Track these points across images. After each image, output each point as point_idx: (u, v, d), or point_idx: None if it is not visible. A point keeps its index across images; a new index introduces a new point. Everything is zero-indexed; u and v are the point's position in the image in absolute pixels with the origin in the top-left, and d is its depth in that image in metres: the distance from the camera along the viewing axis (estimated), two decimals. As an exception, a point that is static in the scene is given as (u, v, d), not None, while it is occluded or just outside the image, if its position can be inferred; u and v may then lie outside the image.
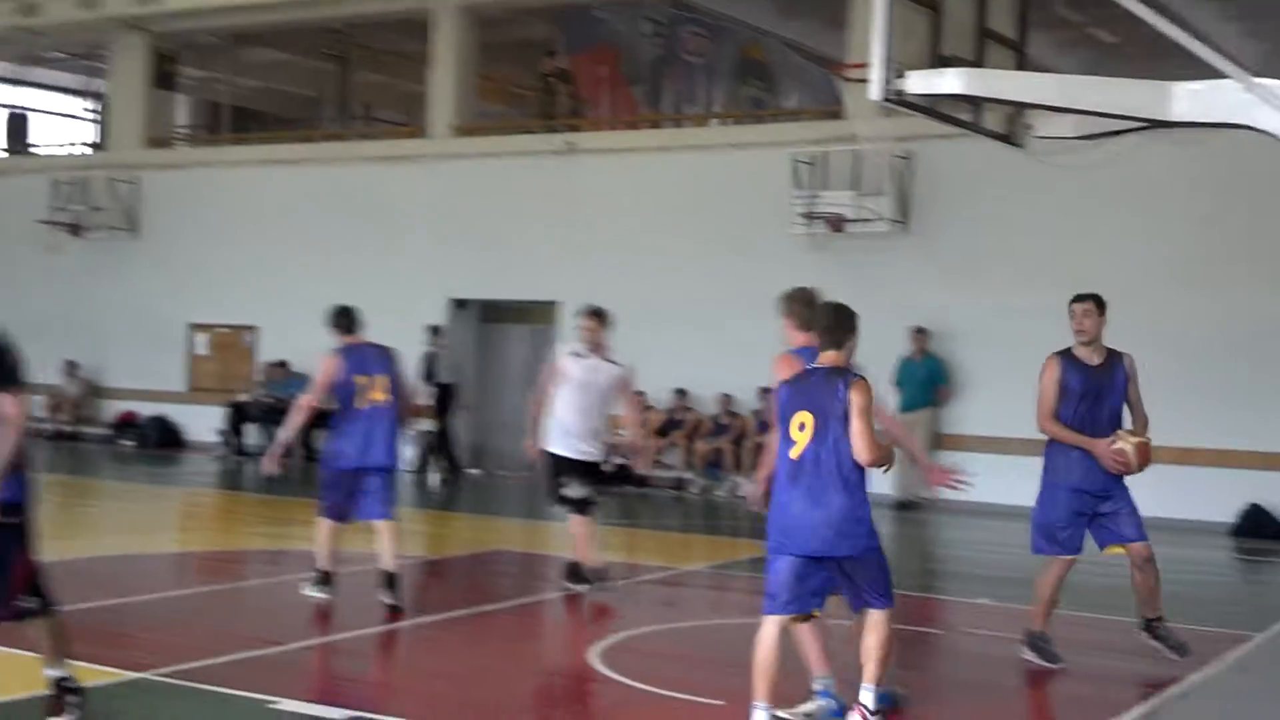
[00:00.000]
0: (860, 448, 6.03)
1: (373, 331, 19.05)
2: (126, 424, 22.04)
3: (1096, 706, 7.36)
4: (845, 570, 6.17)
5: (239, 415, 20.56)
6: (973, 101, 8.25)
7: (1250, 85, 6.89)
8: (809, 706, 6.61)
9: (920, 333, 16.56)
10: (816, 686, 6.61)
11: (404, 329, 19.91)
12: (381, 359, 9.72)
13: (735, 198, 17.99)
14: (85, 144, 27.95)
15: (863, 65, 7.91)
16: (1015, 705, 7.77)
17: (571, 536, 10.11)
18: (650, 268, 18.49)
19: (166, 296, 21.92)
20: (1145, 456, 7.88)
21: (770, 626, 6.18)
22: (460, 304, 20.05)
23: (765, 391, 17.12)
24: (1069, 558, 8.05)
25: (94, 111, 29.31)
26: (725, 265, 18.03)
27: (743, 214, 17.89)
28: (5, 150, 26.21)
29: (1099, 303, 8.15)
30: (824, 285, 17.88)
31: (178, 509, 15.73)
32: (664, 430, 18.01)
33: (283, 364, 20.45)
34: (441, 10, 20.27)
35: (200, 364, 21.80)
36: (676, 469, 17.98)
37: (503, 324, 20.45)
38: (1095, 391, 8.04)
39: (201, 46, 24.55)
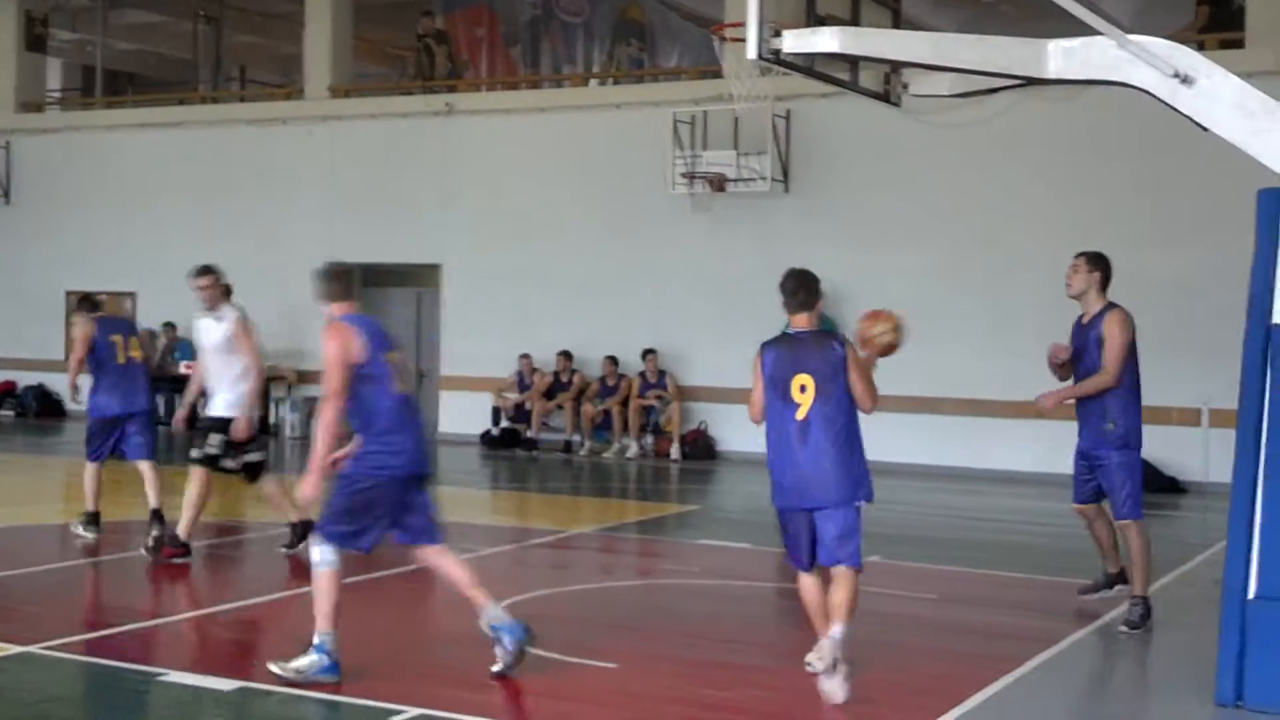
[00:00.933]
0: (867, 399, 6.44)
1: (259, 294, 18.67)
2: (5, 393, 21.28)
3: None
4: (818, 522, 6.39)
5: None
6: (850, 60, 8.19)
7: (1123, 42, 6.89)
8: (300, 662, 6.56)
9: (808, 295, 16.47)
10: (316, 640, 6.63)
11: (285, 292, 19.52)
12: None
13: (616, 158, 17.81)
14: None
15: (739, 25, 7.83)
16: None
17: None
18: (533, 229, 18.27)
19: (42, 264, 21.14)
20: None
21: (805, 578, 6.51)
22: (343, 267, 19.60)
23: (648, 353, 17.13)
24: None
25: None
26: (608, 226, 17.87)
27: (624, 174, 17.72)
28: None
29: (1090, 259, 8.04)
30: (707, 245, 18.02)
31: (60, 479, 15.18)
32: (550, 393, 17.82)
33: (172, 325, 19.87)
34: (315, -30, 19.73)
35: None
36: (564, 431, 17.76)
37: (386, 287, 20.03)
38: (1079, 348, 8.03)
39: (73, 9, 23.63)
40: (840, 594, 6.32)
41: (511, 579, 9.52)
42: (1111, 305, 7.97)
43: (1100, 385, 7.83)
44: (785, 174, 16.67)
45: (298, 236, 19.52)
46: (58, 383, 20.98)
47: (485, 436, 18.00)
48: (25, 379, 21.25)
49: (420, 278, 19.45)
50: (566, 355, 17.76)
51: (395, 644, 7.51)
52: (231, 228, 19.94)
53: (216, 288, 9.83)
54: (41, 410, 20.81)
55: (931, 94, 8.61)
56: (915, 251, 16.09)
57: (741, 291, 16.31)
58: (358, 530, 6.65)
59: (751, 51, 7.17)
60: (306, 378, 19.33)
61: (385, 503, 6.62)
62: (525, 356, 17.95)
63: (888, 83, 8.87)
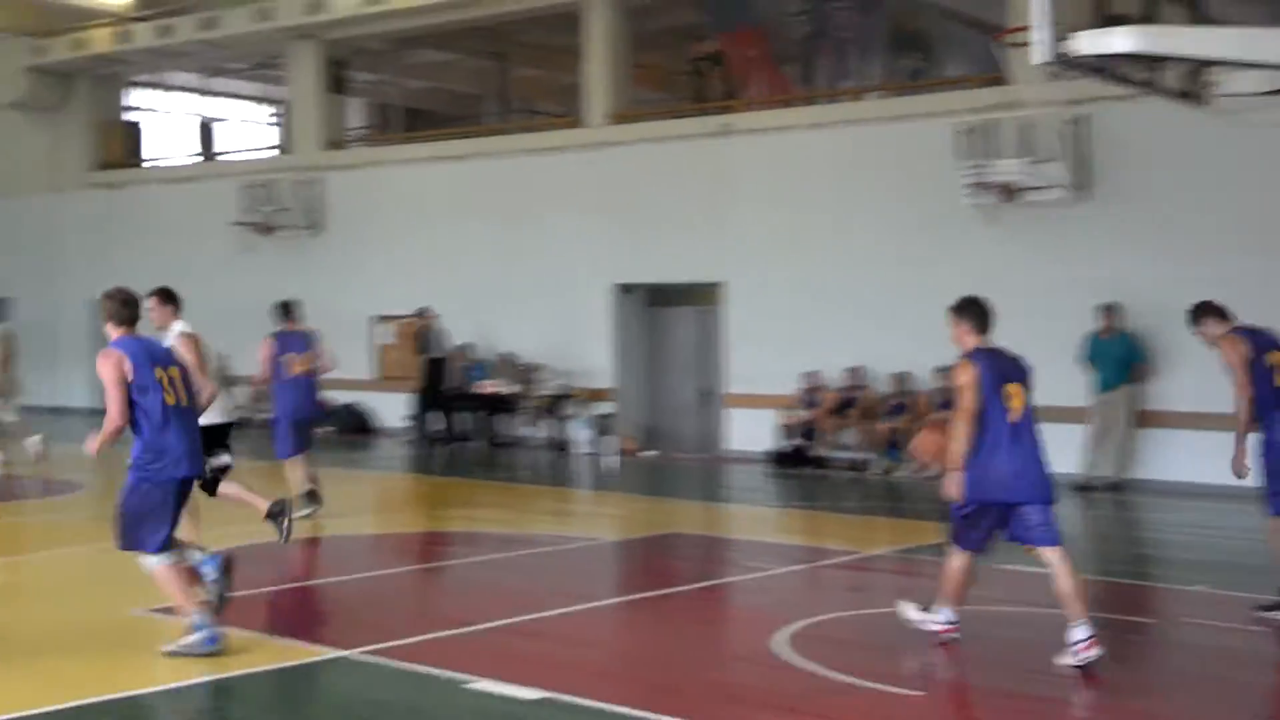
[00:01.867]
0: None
1: (539, 315, 19.24)
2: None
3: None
4: (1023, 513, 7.26)
5: (425, 400, 20.89)
6: (1147, 60, 7.83)
7: None
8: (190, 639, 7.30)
9: (1110, 310, 15.49)
10: (195, 620, 7.37)
11: (573, 314, 20.09)
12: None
13: (898, 171, 17.51)
14: (270, 149, 28.72)
15: (1025, 29, 7.60)
16: (1242, 699, 7.15)
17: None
18: (814, 244, 18.16)
19: (350, 290, 22.37)
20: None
21: (964, 559, 7.46)
22: (626, 289, 20.03)
23: (941, 369, 16.65)
24: None
25: (276, 117, 30.09)
26: (892, 239, 17.57)
27: (907, 187, 17.40)
28: (198, 157, 27.06)
29: None
30: (997, 257, 17.39)
31: (372, 492, 16.00)
32: (839, 410, 17.62)
33: (463, 348, 20.74)
34: (592, 3, 20.22)
35: (386, 353, 22.20)
36: (853, 449, 17.38)
37: (669, 307, 20.37)
38: None
39: (371, 52, 24.98)
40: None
41: (806, 600, 9.46)
42: None
43: None
44: (1083, 180, 15.98)
45: (580, 260, 20.04)
46: (370, 400, 22.19)
47: (772, 454, 17.96)
48: (339, 397, 22.46)
49: (702, 297, 19.63)
50: (854, 371, 17.56)
51: (684, 661, 7.56)
52: (519, 253, 20.66)
53: (163, 308, 10.10)
54: (353, 427, 21.98)
55: (1241, 93, 8.14)
56: (1225, 261, 15.01)
57: (1034, 304, 15.79)
58: (152, 530, 7.44)
59: (1040, 56, 6.95)
60: (599, 395, 19.80)
61: (166, 504, 7.47)
62: (811, 373, 17.86)
63: (1192, 82, 8.44)
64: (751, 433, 18.32)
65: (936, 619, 7.63)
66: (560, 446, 19.58)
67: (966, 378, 7.23)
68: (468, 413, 20.72)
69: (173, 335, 9.86)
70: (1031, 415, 7.31)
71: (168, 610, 8.26)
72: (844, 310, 17.70)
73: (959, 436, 7.17)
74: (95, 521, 12.73)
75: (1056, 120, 15.50)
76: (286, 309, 12.90)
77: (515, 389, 20.11)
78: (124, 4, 24.11)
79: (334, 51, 23.57)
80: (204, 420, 8.79)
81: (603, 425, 19.34)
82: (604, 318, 19.89)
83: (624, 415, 19.70)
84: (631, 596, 9.49)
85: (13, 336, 16.39)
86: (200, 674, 7.06)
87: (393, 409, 21.48)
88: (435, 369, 20.14)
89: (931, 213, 17.07)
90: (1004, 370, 7.32)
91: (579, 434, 19.32)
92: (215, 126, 28.83)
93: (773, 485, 16.71)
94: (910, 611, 7.79)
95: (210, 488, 9.79)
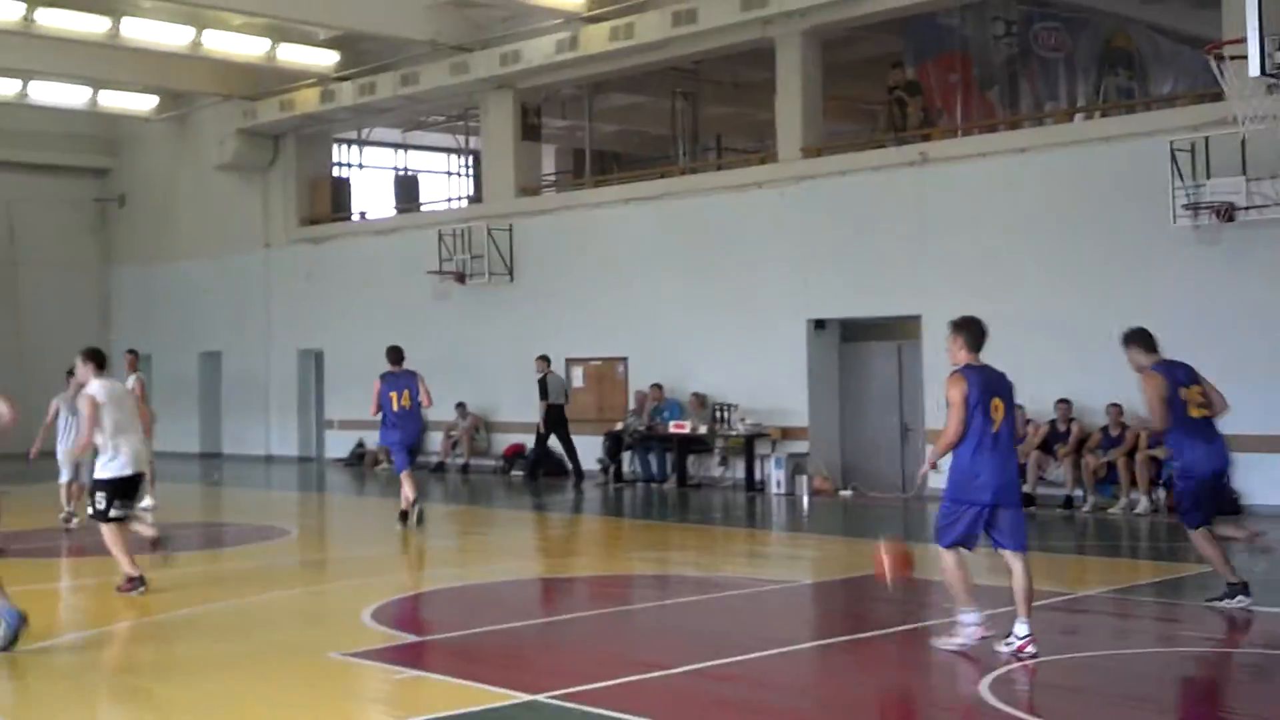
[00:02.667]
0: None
1: (731, 354, 19.01)
2: (515, 455, 22.82)
3: None
4: (998, 515, 8.11)
5: (616, 443, 20.89)
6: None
7: None
8: None
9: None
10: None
11: (765, 352, 19.83)
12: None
13: (1108, 194, 16.77)
14: (465, 198, 29.41)
15: (1239, 41, 7.09)
16: None
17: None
18: (1018, 273, 17.54)
19: (542, 334, 22.61)
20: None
21: (953, 555, 8.26)
22: (819, 324, 19.69)
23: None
24: None
25: (470, 167, 30.82)
26: (1101, 264, 16.82)
27: (1118, 210, 16.65)
28: (397, 209, 27.86)
29: None
30: (1215, 279, 16.45)
31: (564, 535, 16.02)
32: (1047, 445, 16.89)
33: (658, 387, 20.70)
34: (785, 37, 20.05)
35: (577, 396, 22.31)
36: (1064, 485, 16.67)
37: (865, 342, 19.95)
38: None
39: (562, 98, 25.36)
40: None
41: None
42: None
43: None
44: (1302, 198, 15.01)
45: (773, 297, 19.81)
46: (557, 443, 22.29)
47: (974, 492, 17.30)
48: (532, 441, 22.69)
49: (900, 330, 19.17)
50: (1065, 403, 16.83)
51: (888, 707, 7.22)
52: (710, 291, 20.54)
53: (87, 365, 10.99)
54: (548, 470, 22.11)
55: None
56: None
57: (1254, 328, 14.87)
58: None
59: (1255, 68, 6.46)
60: (792, 434, 19.48)
61: None
62: (1016, 407, 17.15)
63: None
64: (954, 470, 17.69)
65: (967, 627, 8.19)
66: (753, 487, 19.30)
67: (957, 390, 8.11)
68: (659, 454, 20.66)
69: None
70: (1010, 427, 8.22)
71: (367, 655, 8.32)
72: (1050, 340, 16.98)
73: (948, 435, 8.13)
74: (302, 567, 13.05)
75: (1275, 136, 14.60)
76: (395, 353, 15.33)
77: (707, 429, 19.94)
78: (328, 65, 25.04)
79: (527, 99, 23.98)
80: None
81: (797, 464, 19.00)
82: (797, 354, 19.58)
83: (818, 454, 19.33)
84: (830, 640, 9.15)
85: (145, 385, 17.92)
86: (393, 718, 7.03)
87: (585, 451, 21.53)
88: (553, 415, 21.17)
89: (1143, 236, 16.32)
90: (991, 385, 8.19)
91: (772, 474, 19.02)
92: (414, 178, 29.66)
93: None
94: (942, 643, 8.30)
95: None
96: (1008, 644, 8.00)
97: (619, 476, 20.79)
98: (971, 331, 8.37)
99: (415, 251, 24.25)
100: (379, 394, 15.14)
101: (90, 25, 22.25)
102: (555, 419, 21.27)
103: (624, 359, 21.80)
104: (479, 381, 23.55)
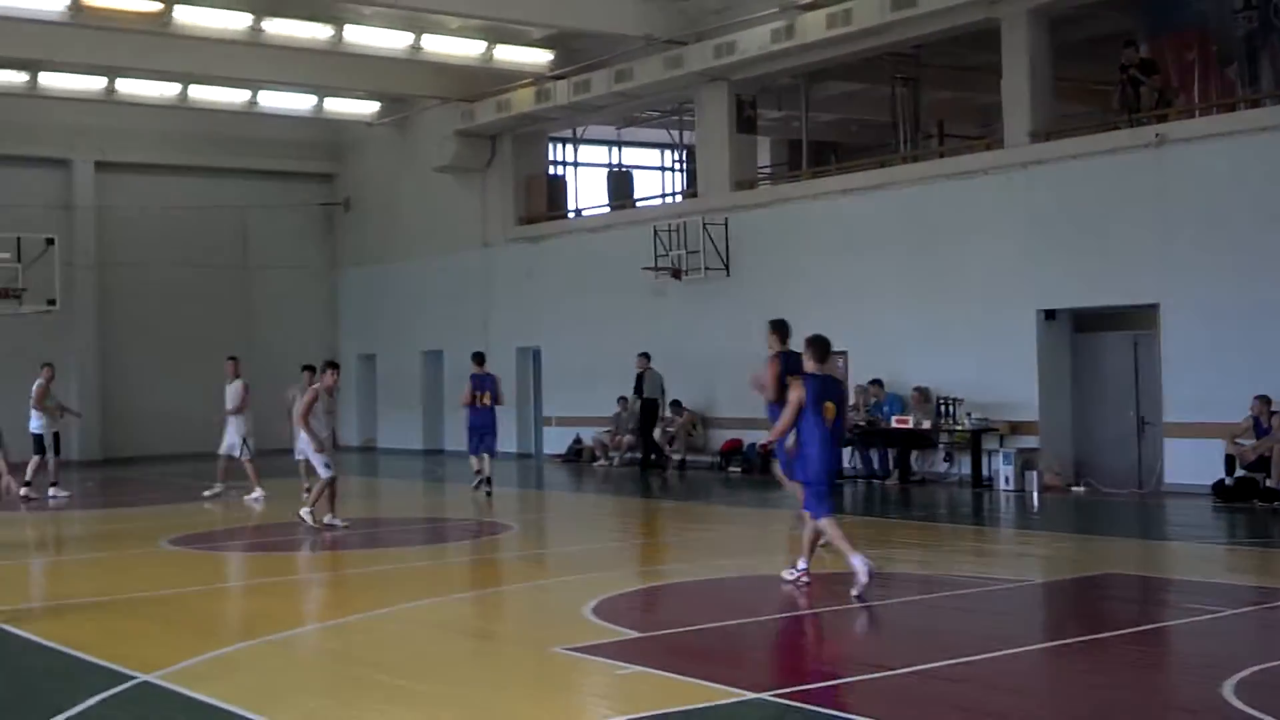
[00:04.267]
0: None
1: (955, 346, 18.76)
2: (732, 452, 22.96)
3: None
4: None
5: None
6: None
7: None
8: None
9: None
10: None
11: (991, 344, 19.48)
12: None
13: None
14: (680, 193, 29.69)
15: None
16: None
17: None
18: (1265, 258, 16.79)
19: (760, 329, 22.58)
20: None
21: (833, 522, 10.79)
22: (1049, 315, 19.23)
23: None
24: None
25: (684, 162, 31.10)
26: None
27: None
28: (612, 206, 28.34)
29: None
30: None
31: (783, 532, 16.05)
32: (1294, 436, 16.18)
33: (878, 382, 20.56)
34: (1011, 17, 19.64)
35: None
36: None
37: (1098, 332, 19.40)
38: None
39: (778, 88, 25.35)
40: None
41: (1257, 645, 8.71)
42: None
43: None
44: None
45: (1000, 287, 19.44)
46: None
47: (1218, 487, 16.70)
48: (751, 437, 22.83)
49: (1135, 320, 18.59)
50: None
51: (1123, 710, 7.08)
52: (933, 282, 20.29)
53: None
54: (765, 467, 22.15)
55: None
56: None
57: None
58: None
59: None
60: (1021, 428, 19.10)
61: None
62: (1262, 398, 16.49)
63: None
64: (1192, 464, 17.18)
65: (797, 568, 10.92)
66: (980, 483, 18.98)
67: (798, 392, 10.62)
68: (880, 450, 20.50)
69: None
70: (839, 423, 10.77)
71: (590, 650, 8.58)
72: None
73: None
74: (524, 562, 13.46)
75: None
76: (479, 357, 19.39)
77: (930, 424, 19.70)
78: (543, 64, 25.65)
79: (742, 91, 24.08)
80: None
81: (1026, 460, 18.61)
82: (1026, 346, 19.17)
83: (1048, 449, 18.89)
84: (1063, 641, 8.99)
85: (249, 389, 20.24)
86: (616, 713, 7.24)
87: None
88: (648, 409, 23.13)
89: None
90: (827, 390, 10.74)
91: (1000, 469, 18.67)
92: (628, 174, 30.11)
93: (1218, 521, 15.57)
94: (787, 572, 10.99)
95: None
96: (789, 572, 10.88)
97: (839, 473, 20.66)
98: (818, 346, 11.06)
99: (630, 248, 24.62)
100: (470, 392, 19.43)
101: (314, 33, 23.31)
102: (650, 414, 23.28)
103: (843, 353, 21.67)
104: (695, 378, 23.77)
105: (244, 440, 19.67)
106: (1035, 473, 18.36)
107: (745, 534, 15.74)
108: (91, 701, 7.57)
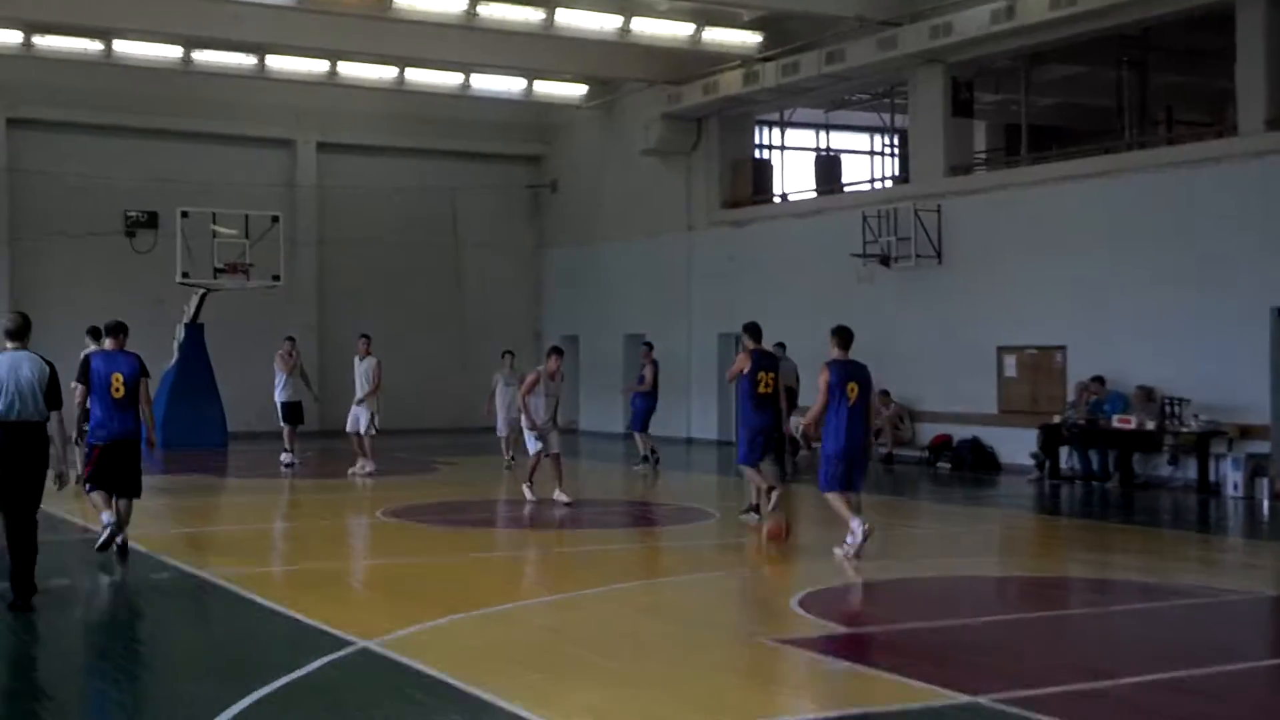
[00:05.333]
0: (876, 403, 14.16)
1: (1183, 344, 18.14)
2: (941, 446, 22.62)
3: None
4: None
5: (1052, 438, 20.33)
6: None
7: None
8: None
9: None
10: None
11: (1221, 343, 18.72)
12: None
13: None
14: (890, 178, 29.31)
15: None
16: None
17: None
18: None
19: (973, 320, 22.27)
20: None
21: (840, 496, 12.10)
22: (1285, 312, 18.40)
23: None
24: None
25: (895, 146, 30.68)
26: None
27: None
28: (819, 191, 28.15)
29: None
30: None
31: (996, 532, 15.79)
32: None
33: (1100, 379, 19.99)
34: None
35: (1010, 386, 21.87)
36: None
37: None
38: None
39: (996, 70, 24.78)
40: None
41: None
42: None
43: None
44: None
45: (1232, 282, 18.66)
46: (993, 436, 21.97)
47: None
48: (960, 432, 22.46)
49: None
50: None
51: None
52: (1159, 275, 19.59)
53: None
54: (976, 463, 21.81)
55: None
56: None
57: None
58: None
59: None
60: (1249, 432, 18.33)
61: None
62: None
63: None
64: None
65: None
66: (1207, 488, 18.29)
67: (825, 376, 12.04)
68: (1100, 450, 19.91)
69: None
70: (862, 403, 12.02)
71: (797, 642, 8.60)
72: None
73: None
74: (726, 550, 13.55)
75: None
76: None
77: (1155, 425, 19.04)
78: (752, 46, 25.61)
79: (958, 74, 23.62)
80: None
81: (1256, 465, 17.85)
82: (1259, 345, 18.34)
83: (1281, 455, 18.07)
84: (1297, 659, 8.65)
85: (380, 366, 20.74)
86: (824, 708, 7.25)
87: (1017, 444, 21.07)
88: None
89: None
90: (849, 373, 12.12)
91: (1229, 475, 17.94)
92: (836, 158, 29.85)
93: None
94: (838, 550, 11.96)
95: None
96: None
97: (1055, 473, 20.19)
98: (841, 335, 12.49)
99: (838, 233, 24.43)
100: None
101: (526, 16, 23.74)
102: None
103: (1061, 348, 21.14)
104: (904, 369, 23.46)
105: (372, 417, 20.37)
106: (1266, 480, 17.59)
107: (955, 532, 15.51)
108: (315, 664, 7.96)
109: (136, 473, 12.32)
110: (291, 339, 22.72)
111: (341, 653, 8.27)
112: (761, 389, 14.08)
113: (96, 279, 28.50)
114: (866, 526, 11.89)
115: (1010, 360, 21.99)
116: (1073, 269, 20.87)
